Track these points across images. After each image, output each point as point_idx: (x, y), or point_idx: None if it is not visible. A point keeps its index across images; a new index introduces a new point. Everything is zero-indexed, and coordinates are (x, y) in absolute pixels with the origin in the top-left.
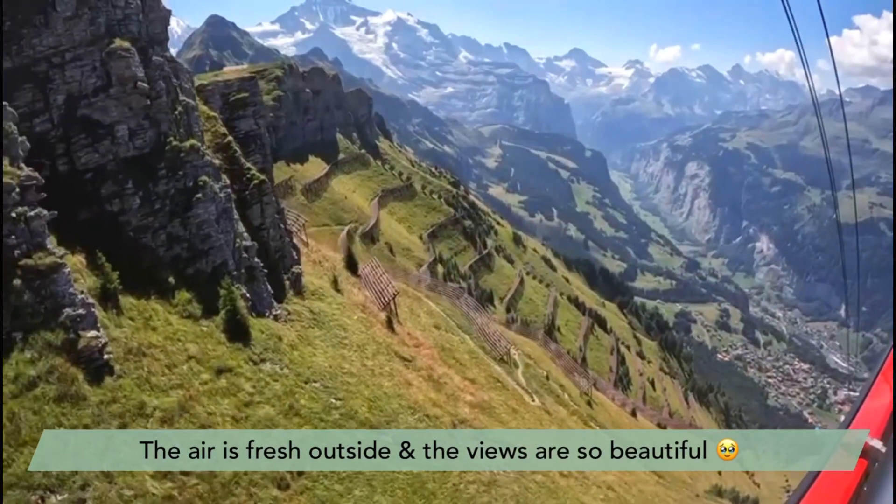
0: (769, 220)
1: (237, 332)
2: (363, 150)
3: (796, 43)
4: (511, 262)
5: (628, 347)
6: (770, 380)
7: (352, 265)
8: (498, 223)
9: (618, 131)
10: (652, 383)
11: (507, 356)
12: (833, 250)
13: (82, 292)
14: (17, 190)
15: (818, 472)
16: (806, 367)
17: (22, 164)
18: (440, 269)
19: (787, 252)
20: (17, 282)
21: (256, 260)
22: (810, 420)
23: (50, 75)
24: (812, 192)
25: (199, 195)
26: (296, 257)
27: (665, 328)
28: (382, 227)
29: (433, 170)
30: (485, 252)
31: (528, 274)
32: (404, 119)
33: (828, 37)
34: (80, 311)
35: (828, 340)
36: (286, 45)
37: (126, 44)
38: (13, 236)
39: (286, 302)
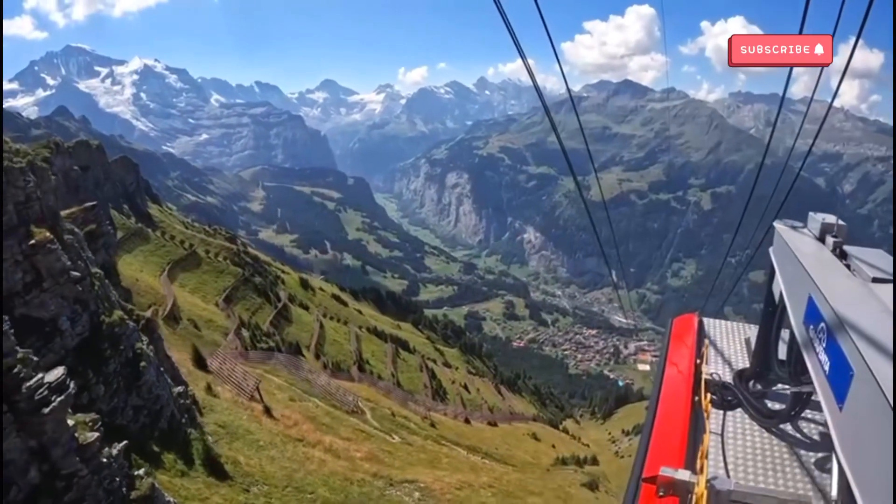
0: (531, 213)
1: (217, 472)
2: (140, 224)
3: (521, 54)
4: (306, 308)
5: (434, 361)
6: (566, 352)
7: (198, 360)
8: (283, 271)
9: (376, 155)
10: (465, 387)
11: (356, 407)
12: (596, 227)
13: None
14: None
15: None
16: (594, 332)
17: None
18: (245, 333)
19: (553, 237)
20: None
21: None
22: (611, 376)
23: None
24: (566, 181)
25: (143, 363)
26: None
27: (461, 333)
28: (180, 303)
29: (207, 228)
30: (280, 305)
31: (324, 316)
32: (162, 174)
33: (553, 44)
34: None
35: (607, 304)
36: (27, 104)
37: (46, 233)
38: None
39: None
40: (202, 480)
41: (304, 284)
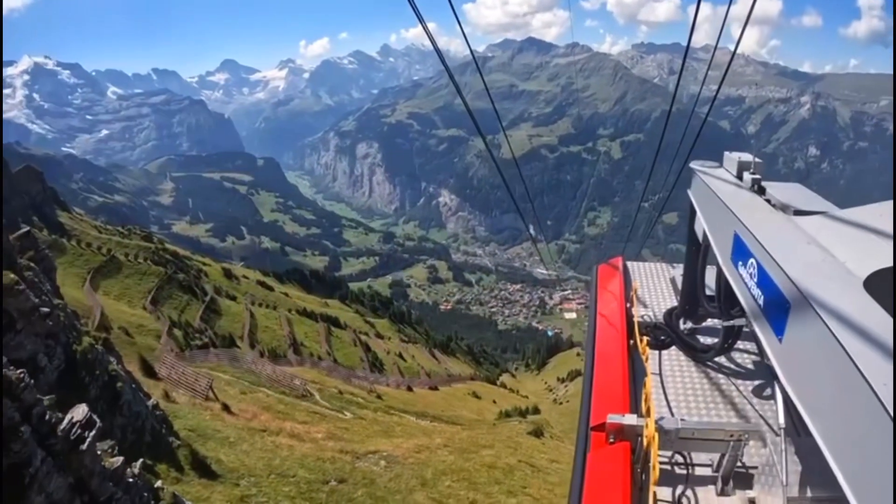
0: (444, 176)
1: (207, 473)
2: (53, 235)
3: (419, 19)
4: (233, 298)
5: (367, 334)
6: (493, 309)
7: (146, 368)
8: (204, 264)
9: (284, 133)
10: (401, 356)
11: (305, 391)
12: (510, 184)
13: None
14: None
15: (583, 472)
16: (519, 286)
17: None
18: (178, 332)
19: (468, 198)
20: None
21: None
22: (540, 328)
23: None
24: (476, 141)
25: (120, 383)
26: None
27: (388, 303)
28: (107, 312)
29: (121, 230)
30: (207, 299)
31: (253, 304)
32: (65, 178)
33: (453, 6)
34: None
35: (528, 259)
36: None
37: (11, 275)
38: None
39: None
40: (197, 483)
41: (228, 274)
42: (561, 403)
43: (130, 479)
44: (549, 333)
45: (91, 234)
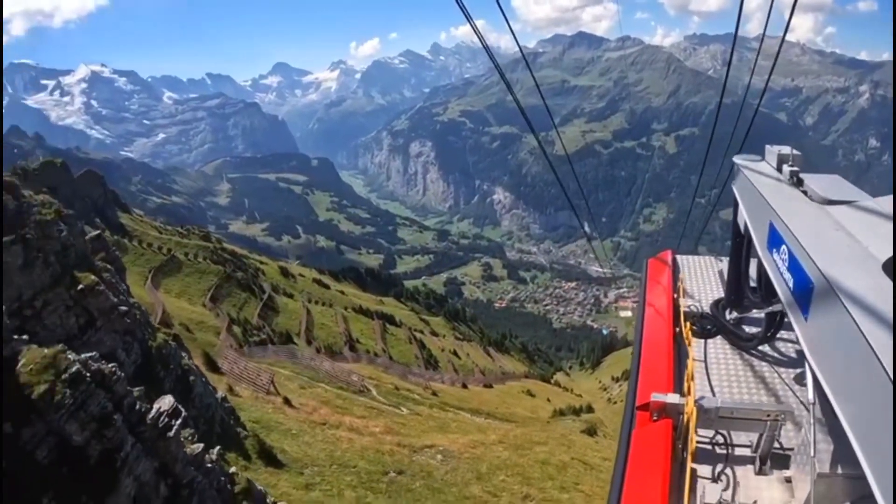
0: (498, 173)
1: (273, 462)
2: (115, 236)
3: (467, 17)
4: (290, 296)
5: (422, 331)
6: (548, 307)
7: (210, 363)
8: (261, 262)
9: (337, 133)
10: (455, 353)
11: (362, 386)
12: (563, 181)
13: None
14: None
15: (628, 448)
16: (573, 284)
17: None
18: (237, 329)
19: (522, 195)
20: None
21: None
22: (595, 326)
23: (29, 329)
24: (530, 138)
25: (192, 377)
26: None
27: (443, 300)
28: (168, 309)
29: (180, 230)
30: (265, 297)
31: (310, 301)
32: (124, 181)
33: (499, 3)
34: None
35: (583, 256)
36: None
37: (92, 276)
38: None
39: None
40: (264, 470)
41: (285, 273)
42: (615, 403)
43: (209, 465)
44: (604, 332)
45: (151, 234)
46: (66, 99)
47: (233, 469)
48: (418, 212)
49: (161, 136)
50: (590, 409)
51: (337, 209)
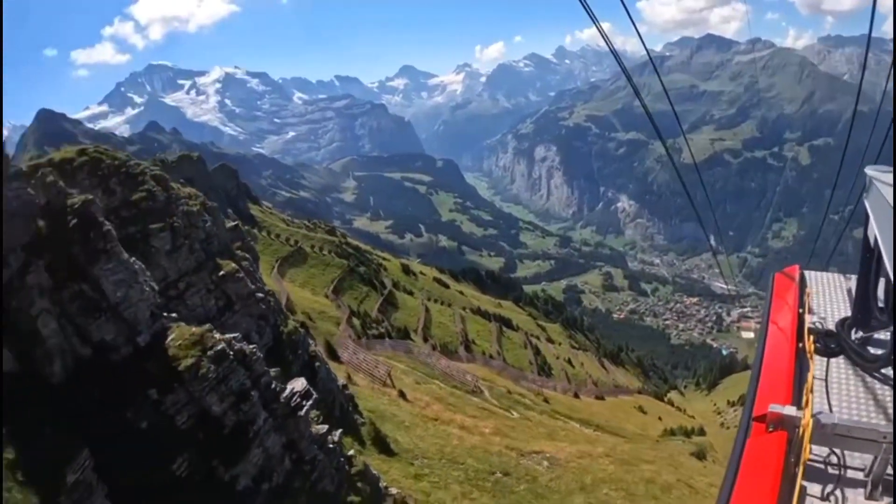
0: (624, 180)
1: (385, 450)
2: (246, 226)
3: (593, 20)
4: (410, 293)
5: (537, 337)
6: (667, 322)
7: (330, 352)
8: (384, 258)
9: (462, 135)
10: (569, 362)
11: (476, 387)
12: (690, 191)
13: None
14: None
15: (741, 457)
16: (695, 300)
17: None
18: (356, 321)
19: (647, 204)
20: None
21: None
22: (714, 345)
23: (172, 308)
24: (657, 145)
25: (318, 363)
26: None
27: (561, 308)
28: (292, 298)
29: (307, 223)
30: (386, 292)
31: (429, 300)
32: (255, 174)
33: (625, 5)
34: None
35: (707, 271)
36: (118, 124)
37: (232, 264)
38: None
39: None
40: (377, 457)
41: (406, 270)
42: (728, 428)
43: (331, 446)
44: (724, 352)
45: (279, 226)
46: (202, 98)
47: (351, 452)
48: (541, 216)
49: (291, 134)
50: (701, 432)
51: (460, 210)
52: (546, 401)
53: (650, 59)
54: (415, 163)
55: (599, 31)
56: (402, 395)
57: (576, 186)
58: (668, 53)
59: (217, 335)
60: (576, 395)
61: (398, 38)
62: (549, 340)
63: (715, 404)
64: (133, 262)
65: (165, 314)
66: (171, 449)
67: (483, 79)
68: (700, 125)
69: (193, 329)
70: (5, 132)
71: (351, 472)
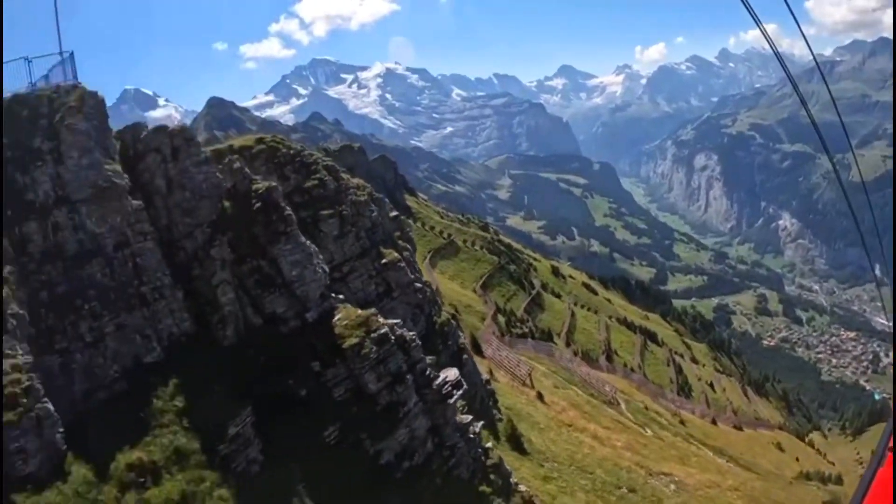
0: (787, 196)
1: (518, 448)
2: (401, 216)
3: (756, 22)
4: (558, 296)
5: (681, 355)
6: (820, 355)
7: (475, 345)
8: (534, 258)
9: (620, 139)
10: (711, 386)
11: (613, 398)
12: (857, 213)
13: None
14: None
15: (868, 486)
16: (853, 335)
17: None
18: (501, 318)
19: (811, 224)
20: None
21: None
22: (867, 387)
23: (335, 289)
24: (824, 159)
25: (465, 355)
26: None
27: (709, 327)
28: (441, 290)
29: (461, 218)
30: (534, 293)
31: (575, 304)
32: (412, 167)
33: (789, 6)
34: None
35: (869, 304)
36: (283, 113)
37: (395, 254)
38: None
39: None
40: (509, 453)
41: (556, 272)
42: None
43: (471, 436)
44: (876, 396)
45: (434, 218)
46: (363, 91)
47: (488, 444)
48: (697, 229)
49: (449, 129)
50: (839, 481)
51: (614, 216)
52: (682, 423)
53: (817, 65)
54: (571, 164)
55: (763, 34)
56: (539, 396)
57: (735, 199)
58: (837, 58)
59: (381, 319)
60: (713, 422)
61: (557, 37)
62: (693, 360)
63: (858, 453)
64: (309, 245)
65: (333, 295)
66: (324, 418)
67: (643, 81)
68: (871, 140)
69: (359, 311)
70: (178, 116)
71: (486, 463)
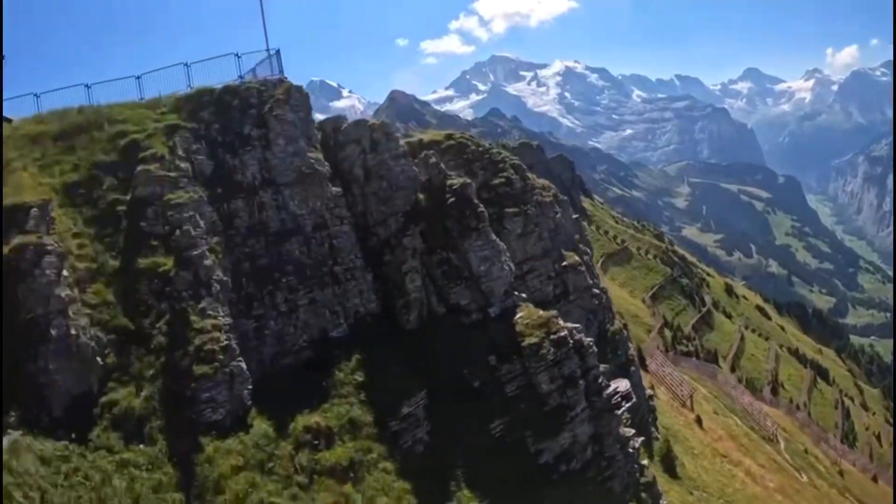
0: None
1: (670, 470)
2: (576, 217)
3: None
4: (729, 316)
5: (852, 399)
6: None
7: (639, 358)
8: (708, 274)
9: (808, 151)
10: (878, 438)
11: (773, 435)
12: None
13: None
14: None
15: None
16: None
17: None
18: (667, 333)
19: None
20: None
21: None
22: None
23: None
24: None
25: (632, 368)
26: None
27: (886, 372)
28: (610, 297)
29: (636, 224)
30: (704, 310)
31: (746, 328)
32: (589, 168)
33: None
34: None
35: None
36: (462, 108)
37: (575, 257)
38: None
39: None
40: (660, 474)
41: (729, 290)
42: None
43: (630, 450)
44: None
45: (608, 222)
46: (542, 89)
47: (645, 461)
48: (885, 258)
49: (628, 131)
50: None
51: (796, 235)
52: (841, 473)
53: None
54: (754, 175)
55: None
56: (698, 420)
57: None
58: None
59: (561, 322)
60: (874, 479)
61: (743, 38)
62: (864, 406)
63: None
64: (498, 243)
65: (516, 293)
66: (493, 411)
67: (835, 87)
68: None
69: (541, 312)
70: (360, 107)
71: (640, 480)
